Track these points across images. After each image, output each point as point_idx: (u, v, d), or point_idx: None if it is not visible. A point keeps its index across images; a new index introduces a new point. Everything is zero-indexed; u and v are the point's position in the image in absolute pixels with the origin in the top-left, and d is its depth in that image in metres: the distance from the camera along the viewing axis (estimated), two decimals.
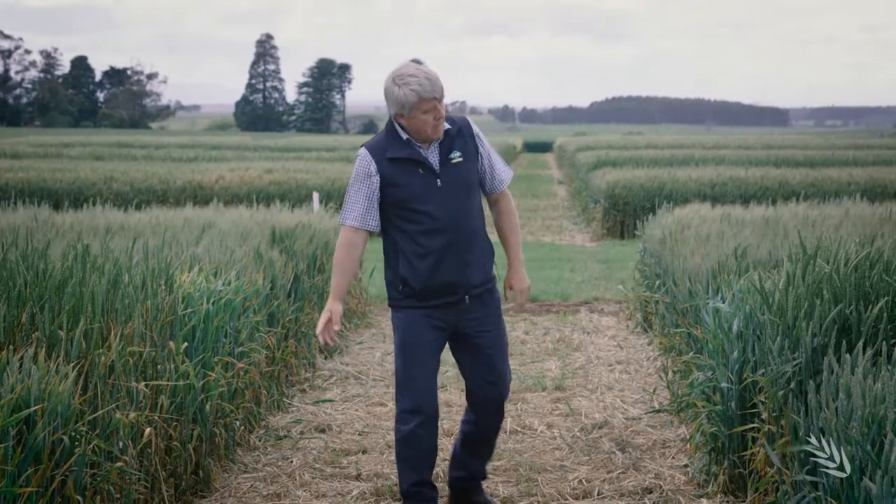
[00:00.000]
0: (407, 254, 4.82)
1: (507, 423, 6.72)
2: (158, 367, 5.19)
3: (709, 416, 5.62)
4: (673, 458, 6.11)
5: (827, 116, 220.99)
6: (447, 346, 5.03)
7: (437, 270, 4.80)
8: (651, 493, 5.54)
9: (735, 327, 5.34)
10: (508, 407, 6.99)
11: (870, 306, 4.62)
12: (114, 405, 4.65)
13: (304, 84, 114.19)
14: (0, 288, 4.68)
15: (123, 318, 4.92)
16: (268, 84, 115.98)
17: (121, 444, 4.66)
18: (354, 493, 5.57)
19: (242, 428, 6.35)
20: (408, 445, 4.90)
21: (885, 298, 4.61)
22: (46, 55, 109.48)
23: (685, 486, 5.62)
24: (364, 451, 6.32)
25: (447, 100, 4.87)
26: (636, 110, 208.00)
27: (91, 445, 4.33)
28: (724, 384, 5.36)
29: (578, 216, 22.92)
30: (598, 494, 5.55)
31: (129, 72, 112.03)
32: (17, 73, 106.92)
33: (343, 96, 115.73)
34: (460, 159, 4.87)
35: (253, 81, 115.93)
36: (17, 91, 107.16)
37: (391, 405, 7.21)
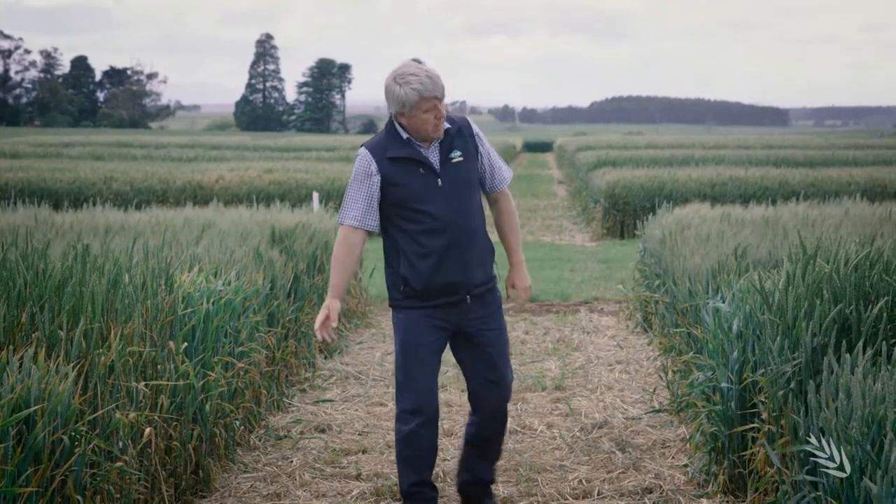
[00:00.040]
0: (408, 254, 4.81)
1: (507, 423, 6.72)
2: (158, 366, 5.19)
3: (709, 415, 5.62)
4: (673, 457, 6.11)
5: (827, 116, 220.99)
6: (448, 347, 5.03)
7: (438, 270, 4.79)
8: (651, 492, 5.54)
9: (735, 327, 5.34)
10: (508, 407, 6.98)
11: (870, 306, 4.62)
12: (114, 405, 4.65)
13: (304, 84, 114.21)
14: (0, 288, 4.68)
15: (123, 317, 4.92)
16: (268, 84, 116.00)
17: (121, 443, 4.66)
18: (354, 492, 5.57)
19: (242, 428, 6.35)
20: (408, 445, 4.90)
21: (885, 298, 4.61)
22: (46, 55, 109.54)
23: (685, 486, 5.62)
24: (364, 451, 6.32)
25: (447, 100, 4.86)
26: (636, 110, 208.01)
27: (91, 445, 4.33)
28: (723, 384, 5.36)
29: (578, 216, 22.92)
30: (597, 494, 5.55)
31: (128, 72, 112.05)
32: (17, 72, 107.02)
33: (343, 96, 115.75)
34: (461, 159, 4.86)
35: (253, 81, 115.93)
36: (17, 91, 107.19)
37: (391, 405, 7.21)
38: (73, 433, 4.17)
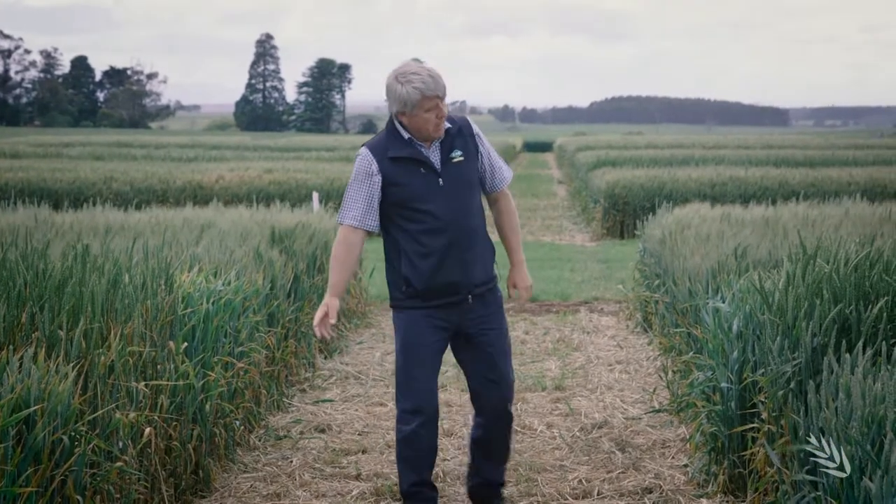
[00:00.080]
0: (409, 253, 4.81)
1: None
2: (158, 366, 5.19)
3: (708, 415, 5.62)
4: (673, 457, 6.11)
5: (827, 116, 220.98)
6: (448, 348, 5.02)
7: (440, 270, 4.79)
8: (651, 492, 5.54)
9: (735, 327, 5.34)
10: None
11: (870, 306, 4.62)
12: (114, 405, 4.65)
13: (304, 84, 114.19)
14: (0, 288, 4.68)
15: (123, 317, 4.92)
16: (268, 84, 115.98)
17: (120, 443, 4.66)
18: (354, 492, 5.57)
19: (242, 428, 6.35)
20: (408, 445, 4.90)
21: (885, 298, 4.61)
22: (46, 55, 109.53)
23: (685, 486, 5.62)
24: (364, 451, 6.31)
25: (447, 99, 4.86)
26: (636, 110, 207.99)
27: (91, 445, 4.33)
28: (723, 384, 5.36)
29: (578, 216, 22.92)
30: (597, 494, 5.55)
31: (128, 72, 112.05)
32: (16, 72, 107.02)
33: (343, 96, 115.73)
34: (461, 158, 4.86)
35: (253, 81, 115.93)
36: (17, 91, 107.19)
37: (391, 405, 7.21)
38: (72, 433, 4.17)
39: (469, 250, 4.83)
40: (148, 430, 4.89)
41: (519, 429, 6.71)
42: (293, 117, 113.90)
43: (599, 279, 13.28)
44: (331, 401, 7.48)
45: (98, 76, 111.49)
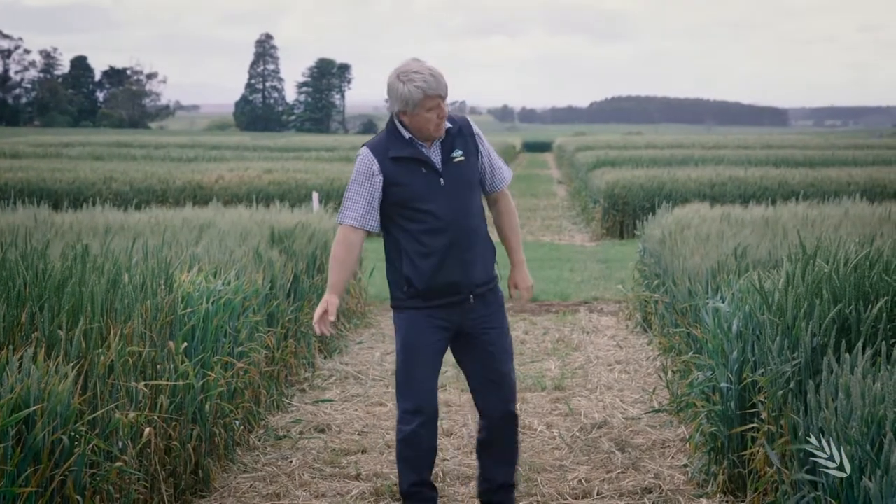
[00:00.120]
0: (410, 253, 4.80)
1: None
2: (158, 366, 5.19)
3: (708, 415, 5.62)
4: (672, 457, 6.11)
5: (826, 116, 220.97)
6: (448, 350, 5.00)
7: (441, 270, 4.78)
8: (650, 492, 5.54)
9: (734, 327, 5.34)
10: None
11: (869, 306, 4.62)
12: (113, 405, 4.65)
13: (304, 84, 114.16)
14: (0, 288, 4.68)
15: (123, 317, 4.92)
16: (267, 84, 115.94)
17: (120, 443, 4.66)
18: (354, 492, 5.57)
19: (242, 428, 6.35)
20: (409, 446, 4.89)
21: (885, 298, 4.61)
22: (46, 55, 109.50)
23: (685, 486, 5.62)
24: (363, 451, 6.31)
25: (447, 99, 4.86)
26: (635, 110, 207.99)
27: (90, 445, 4.33)
28: (723, 384, 5.36)
29: (578, 216, 22.92)
30: (597, 494, 5.55)
31: (128, 72, 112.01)
32: (16, 72, 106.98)
33: (342, 96, 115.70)
34: (462, 158, 4.86)
35: (252, 81, 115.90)
36: (17, 91, 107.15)
37: (390, 405, 7.21)
38: (72, 433, 4.17)
39: (469, 250, 4.83)
40: (147, 430, 4.89)
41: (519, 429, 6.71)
42: (293, 117, 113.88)
43: (599, 279, 13.28)
44: (330, 401, 7.48)
45: (97, 76, 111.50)
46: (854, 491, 3.76)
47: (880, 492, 3.54)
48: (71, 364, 4.34)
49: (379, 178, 4.80)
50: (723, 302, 5.90)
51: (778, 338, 4.71)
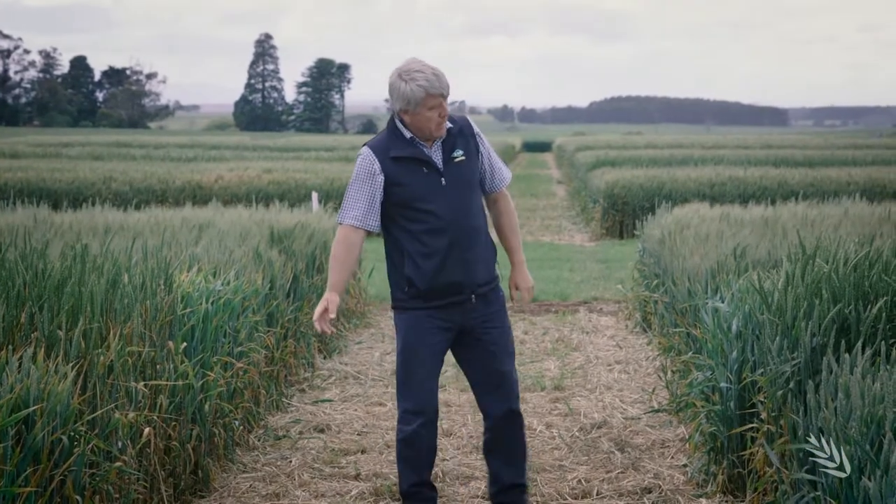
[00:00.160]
0: (412, 254, 4.79)
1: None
2: (157, 366, 5.19)
3: (708, 415, 5.62)
4: (672, 457, 6.11)
5: (826, 116, 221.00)
6: (449, 350, 5.00)
7: (442, 270, 4.77)
8: (650, 492, 5.54)
9: (734, 327, 5.34)
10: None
11: (869, 306, 4.62)
12: (113, 405, 4.65)
13: (303, 84, 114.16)
14: (0, 287, 4.68)
15: (122, 317, 4.92)
16: (267, 84, 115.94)
17: (120, 443, 4.66)
18: (353, 492, 5.57)
19: (241, 428, 6.35)
20: (409, 446, 4.89)
21: (884, 298, 4.61)
22: (45, 55, 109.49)
23: (684, 486, 5.62)
24: (363, 451, 6.31)
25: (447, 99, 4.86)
26: (635, 110, 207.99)
27: (90, 445, 4.33)
28: (723, 384, 5.36)
29: (577, 216, 22.92)
30: (596, 494, 5.55)
31: (128, 72, 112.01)
32: (16, 72, 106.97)
33: (342, 96, 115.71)
34: (463, 158, 4.86)
35: (252, 81, 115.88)
36: (17, 91, 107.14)
37: (390, 405, 7.21)
38: (72, 433, 4.17)
39: (471, 250, 4.82)
40: (147, 430, 4.89)
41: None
42: (292, 117, 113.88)
43: (598, 279, 13.28)
44: (330, 401, 7.48)
45: (97, 76, 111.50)
46: (853, 491, 3.76)
47: (880, 492, 3.54)
48: (70, 364, 4.34)
49: (380, 178, 4.80)
50: (722, 302, 5.90)
51: (777, 338, 4.71)
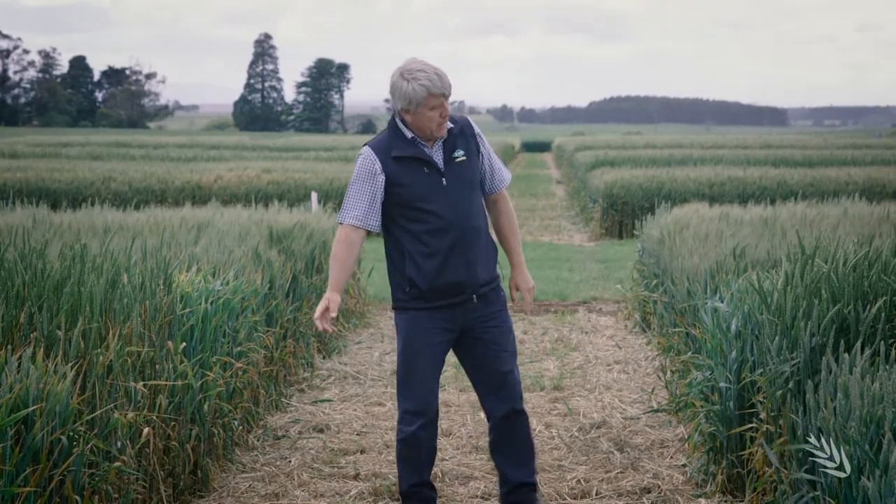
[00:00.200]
0: (413, 254, 4.78)
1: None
2: (157, 366, 5.19)
3: (707, 415, 5.62)
4: (671, 457, 6.11)
5: (825, 116, 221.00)
6: (450, 351, 5.00)
7: (443, 270, 4.77)
8: (649, 492, 5.54)
9: (733, 327, 5.34)
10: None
11: (868, 306, 4.62)
12: (112, 405, 4.65)
13: (303, 84, 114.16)
14: None
15: (122, 317, 4.92)
16: (266, 84, 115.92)
17: (119, 443, 4.66)
18: (353, 492, 5.57)
19: (241, 428, 6.35)
20: (409, 446, 4.89)
21: (884, 298, 4.61)
22: (45, 55, 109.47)
23: (683, 486, 5.62)
24: (362, 451, 6.31)
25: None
26: (635, 110, 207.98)
27: (89, 445, 4.33)
28: (722, 384, 5.36)
29: (577, 216, 22.92)
30: (596, 494, 5.55)
31: (127, 72, 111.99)
32: (15, 72, 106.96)
33: (341, 96, 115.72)
34: (464, 158, 4.85)
35: (251, 81, 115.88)
36: (16, 91, 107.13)
37: (389, 405, 7.21)
38: (71, 433, 4.17)
39: (472, 250, 4.82)
40: (146, 430, 4.89)
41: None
42: (292, 117, 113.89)
43: (598, 279, 13.28)
44: (329, 401, 7.48)
45: (96, 76, 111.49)
46: (853, 491, 3.77)
47: (879, 492, 3.54)
48: (70, 364, 4.34)
49: (381, 178, 4.79)
50: (721, 302, 5.90)
51: (777, 338, 4.71)
